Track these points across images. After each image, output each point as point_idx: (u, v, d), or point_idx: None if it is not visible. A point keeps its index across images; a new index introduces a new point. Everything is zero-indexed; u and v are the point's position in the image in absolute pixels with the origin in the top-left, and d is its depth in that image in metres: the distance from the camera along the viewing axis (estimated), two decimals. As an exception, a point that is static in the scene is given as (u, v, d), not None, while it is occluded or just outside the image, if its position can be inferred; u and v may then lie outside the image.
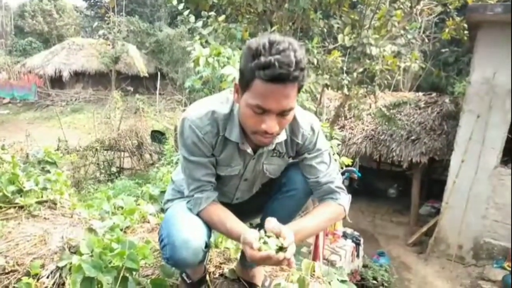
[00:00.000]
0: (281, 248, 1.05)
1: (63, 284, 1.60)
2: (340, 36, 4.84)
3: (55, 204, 2.37)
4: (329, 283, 1.76)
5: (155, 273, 1.71)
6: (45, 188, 2.42)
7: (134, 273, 1.55)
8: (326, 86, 5.03)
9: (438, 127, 7.46)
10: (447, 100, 8.04)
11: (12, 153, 3.75)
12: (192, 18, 4.22)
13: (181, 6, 4.27)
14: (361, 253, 5.39)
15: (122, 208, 2.40)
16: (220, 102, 1.23)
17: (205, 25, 4.51)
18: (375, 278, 5.06)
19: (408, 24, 5.49)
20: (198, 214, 1.30)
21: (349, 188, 8.96)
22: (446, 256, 6.27)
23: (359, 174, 4.46)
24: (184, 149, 1.24)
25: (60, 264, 1.66)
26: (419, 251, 6.71)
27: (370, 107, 6.55)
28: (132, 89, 18.99)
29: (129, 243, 1.55)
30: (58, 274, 1.64)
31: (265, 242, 1.06)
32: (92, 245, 1.57)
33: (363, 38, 4.79)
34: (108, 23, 17.72)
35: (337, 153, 3.85)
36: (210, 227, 1.31)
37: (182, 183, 1.36)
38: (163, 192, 2.70)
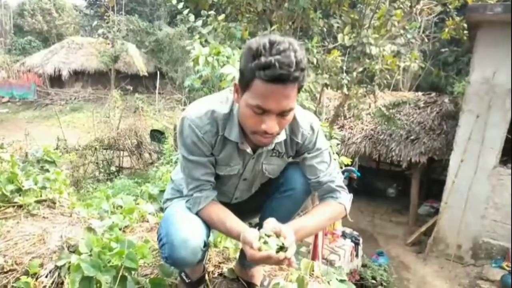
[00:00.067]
0: (281, 248, 1.05)
1: (62, 283, 1.60)
2: (339, 36, 4.84)
3: (54, 203, 2.37)
4: (328, 282, 1.76)
5: (154, 273, 1.70)
6: (44, 187, 2.41)
7: (133, 272, 1.55)
8: (326, 85, 5.03)
9: (437, 127, 7.46)
10: (446, 100, 8.04)
11: (11, 152, 3.75)
12: (191, 17, 4.21)
13: (180, 5, 4.26)
14: (360, 252, 5.40)
15: (121, 207, 2.39)
16: (220, 101, 1.23)
17: (204, 24, 4.50)
18: (374, 278, 5.07)
19: (408, 24, 5.48)
20: (197, 213, 1.30)
21: (349, 187, 8.92)
22: (445, 256, 6.28)
23: (359, 174, 4.47)
24: (183, 148, 1.24)
25: (59, 263, 1.66)
26: (418, 250, 6.72)
27: (370, 106, 6.54)
28: (131, 88, 18.97)
29: (128, 243, 1.55)
30: (57, 273, 1.64)
31: (265, 242, 1.06)
32: (91, 244, 1.57)
33: (362, 37, 4.79)
34: (107, 22, 17.70)
35: (337, 153, 3.85)
36: (209, 226, 1.31)
37: (181, 182, 1.36)
38: (162, 192, 2.70)
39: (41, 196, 2.38)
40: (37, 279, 1.60)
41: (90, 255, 1.52)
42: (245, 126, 1.15)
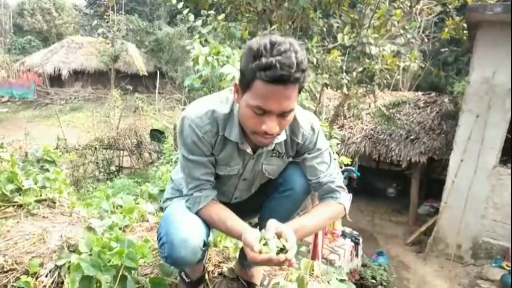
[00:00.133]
0: (282, 249, 1.06)
1: (62, 283, 1.60)
2: (339, 35, 4.84)
3: (54, 202, 2.37)
4: (328, 282, 1.76)
5: (154, 272, 1.71)
6: (44, 187, 2.41)
7: (133, 272, 1.55)
8: (326, 85, 5.03)
9: (437, 127, 7.46)
10: (446, 100, 8.04)
11: (11, 151, 3.74)
12: (191, 17, 4.21)
13: (180, 5, 4.26)
14: (360, 252, 5.40)
15: (121, 207, 2.39)
16: (220, 101, 1.23)
17: (204, 24, 4.50)
18: (374, 278, 5.07)
19: (408, 24, 5.48)
20: (197, 213, 1.30)
21: (348, 187, 8.93)
22: (445, 256, 6.28)
23: (358, 174, 4.47)
24: (183, 148, 1.24)
25: (59, 263, 1.66)
26: (418, 250, 6.72)
27: (370, 106, 6.54)
28: (131, 87, 18.96)
29: (128, 242, 1.55)
30: (57, 273, 1.64)
31: (266, 244, 1.06)
32: (91, 244, 1.57)
33: (362, 37, 4.79)
34: (107, 22, 17.69)
35: (336, 153, 3.85)
36: (209, 225, 1.31)
37: (181, 182, 1.36)
38: (162, 191, 2.70)
39: (41, 195, 2.38)
40: (37, 278, 1.60)
41: (90, 255, 1.52)
42: (246, 126, 1.15)
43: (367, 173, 7.76)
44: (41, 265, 1.68)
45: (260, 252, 1.04)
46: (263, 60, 0.98)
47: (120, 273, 1.45)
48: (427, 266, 6.19)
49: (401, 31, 5.34)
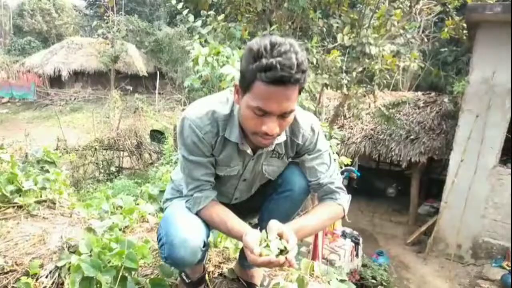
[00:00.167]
0: (283, 250, 1.06)
1: (62, 283, 1.60)
2: (339, 36, 4.84)
3: (54, 203, 2.36)
4: (328, 282, 1.76)
5: (154, 273, 1.71)
6: (44, 188, 2.41)
7: (133, 272, 1.55)
8: (326, 85, 5.03)
9: (437, 127, 7.46)
10: (446, 100, 8.04)
11: (11, 152, 3.75)
12: (191, 18, 4.21)
13: (180, 6, 4.26)
14: (360, 252, 5.39)
15: (121, 207, 2.39)
16: (220, 102, 1.23)
17: (204, 24, 4.50)
18: (374, 278, 5.06)
19: (408, 24, 5.49)
20: (197, 213, 1.30)
21: (348, 187, 8.95)
22: (445, 256, 6.28)
23: (358, 174, 4.47)
24: (183, 148, 1.24)
25: (59, 264, 1.66)
26: (418, 250, 6.72)
27: (369, 106, 6.54)
28: (131, 88, 18.96)
29: (128, 243, 1.55)
30: (57, 274, 1.64)
31: (267, 246, 1.06)
32: (91, 245, 1.57)
33: (362, 37, 4.79)
34: (107, 22, 17.68)
35: (336, 153, 3.85)
36: (209, 226, 1.31)
37: (181, 182, 1.36)
38: (162, 192, 2.70)
39: (41, 196, 2.37)
40: (37, 279, 1.60)
41: (90, 256, 1.52)
42: (246, 127, 1.15)
43: (367, 173, 7.76)
44: (41, 266, 1.68)
45: (260, 255, 1.04)
46: (264, 61, 0.98)
47: (120, 274, 1.45)
48: (427, 266, 6.19)
49: (401, 31, 5.34)
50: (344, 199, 1.40)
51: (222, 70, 3.18)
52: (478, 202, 6.00)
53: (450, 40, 8.57)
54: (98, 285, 1.42)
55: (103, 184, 8.06)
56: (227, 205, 1.35)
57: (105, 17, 18.00)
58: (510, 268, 5.50)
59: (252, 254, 1.06)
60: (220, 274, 1.73)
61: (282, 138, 1.24)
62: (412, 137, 7.36)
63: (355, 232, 5.49)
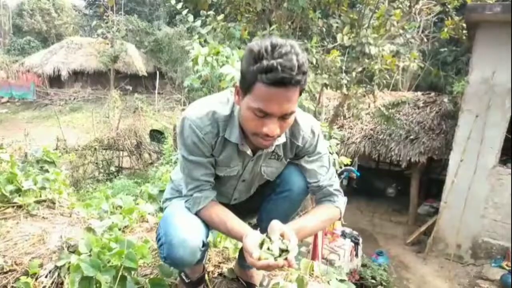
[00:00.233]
0: (284, 251, 1.06)
1: (62, 283, 1.60)
2: (339, 36, 4.84)
3: (54, 203, 2.36)
4: (328, 282, 1.76)
5: (154, 273, 1.71)
6: (43, 188, 2.41)
7: (132, 272, 1.55)
8: (325, 85, 5.03)
9: (436, 127, 7.47)
10: (445, 100, 8.04)
11: (10, 152, 3.75)
12: (190, 17, 4.21)
13: (179, 6, 4.26)
14: (360, 252, 5.39)
15: (120, 207, 2.39)
16: (221, 102, 1.23)
17: (203, 24, 4.50)
18: (374, 278, 5.06)
19: (407, 24, 5.49)
20: (197, 214, 1.30)
21: (348, 187, 9.01)
22: (445, 256, 6.28)
23: (358, 174, 4.48)
24: (183, 148, 1.24)
25: (59, 264, 1.66)
26: (418, 250, 6.72)
27: (369, 106, 6.55)
28: (131, 88, 18.95)
29: (128, 243, 1.55)
30: (56, 274, 1.64)
31: (268, 249, 1.06)
32: (90, 245, 1.57)
33: (362, 37, 4.79)
34: (106, 22, 17.67)
35: (336, 153, 3.85)
36: (208, 226, 1.31)
37: (181, 182, 1.36)
38: (162, 192, 2.70)
39: (40, 196, 2.37)
40: (36, 279, 1.60)
41: (90, 255, 1.52)
42: (246, 128, 1.15)
43: (366, 173, 7.77)
44: (41, 265, 1.68)
45: (259, 258, 1.04)
46: (264, 62, 0.98)
47: (120, 274, 1.45)
48: (427, 266, 6.19)
49: (401, 31, 5.34)
50: (341, 202, 1.42)
51: (222, 70, 3.18)
52: (478, 202, 6.00)
53: (449, 40, 8.57)
54: (97, 285, 1.42)
55: (103, 184, 8.06)
56: (226, 205, 1.35)
57: (104, 17, 17.98)
58: (509, 268, 5.50)
59: (251, 258, 1.06)
60: (220, 274, 1.73)
61: (281, 139, 1.24)
62: (411, 137, 7.36)
63: (355, 232, 5.49)
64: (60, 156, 3.44)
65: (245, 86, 1.06)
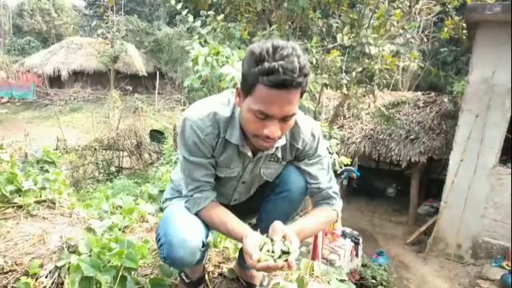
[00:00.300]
0: (286, 252, 1.06)
1: (62, 283, 1.60)
2: (339, 36, 4.84)
3: (54, 203, 2.36)
4: (328, 282, 1.76)
5: (154, 273, 1.71)
6: (43, 188, 2.41)
7: (132, 272, 1.55)
8: (325, 85, 5.03)
9: (437, 127, 7.46)
10: (445, 100, 8.04)
11: (10, 152, 3.75)
12: (190, 18, 4.21)
13: (179, 6, 4.26)
14: (360, 252, 5.39)
15: (121, 207, 2.39)
16: (222, 103, 1.23)
17: (204, 24, 4.50)
18: (374, 278, 5.06)
19: (407, 24, 5.49)
20: (197, 214, 1.30)
21: (348, 187, 9.00)
22: (445, 255, 6.28)
23: (358, 174, 4.47)
24: (184, 149, 1.24)
25: (59, 264, 1.66)
26: (418, 250, 6.72)
27: (369, 106, 6.55)
28: (131, 88, 18.95)
29: (128, 243, 1.55)
30: (56, 274, 1.64)
31: (268, 250, 1.06)
32: (90, 245, 1.57)
33: (362, 37, 4.79)
34: (107, 22, 17.68)
35: (336, 153, 3.85)
36: (208, 226, 1.31)
37: (181, 182, 1.36)
38: (162, 192, 2.70)
39: (40, 196, 2.37)
40: (37, 279, 1.60)
41: (90, 256, 1.52)
42: (247, 130, 1.15)
43: (367, 173, 7.76)
44: (41, 266, 1.67)
45: (259, 260, 1.04)
46: (266, 64, 0.98)
47: (120, 274, 1.45)
48: (427, 266, 6.19)
49: (401, 31, 5.35)
50: (339, 205, 1.43)
51: (222, 70, 3.18)
52: (478, 202, 6.00)
53: (449, 40, 8.57)
54: (97, 285, 1.42)
55: (103, 184, 8.06)
56: (226, 206, 1.35)
57: (104, 17, 17.99)
58: (509, 268, 5.50)
59: (251, 260, 1.06)
60: (220, 274, 1.73)
61: (281, 142, 1.24)
62: (412, 137, 7.36)
63: (355, 232, 5.48)
64: (60, 156, 3.44)
65: (246, 88, 1.06)
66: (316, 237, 3.90)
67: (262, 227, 1.26)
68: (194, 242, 1.22)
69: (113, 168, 9.37)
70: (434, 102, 8.12)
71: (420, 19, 6.21)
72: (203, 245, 1.27)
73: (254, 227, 1.38)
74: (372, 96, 5.78)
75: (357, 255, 5.24)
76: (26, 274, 1.62)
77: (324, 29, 5.34)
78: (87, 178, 8.52)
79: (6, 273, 1.65)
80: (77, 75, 19.07)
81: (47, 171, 2.97)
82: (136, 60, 19.73)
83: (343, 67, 4.94)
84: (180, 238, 1.20)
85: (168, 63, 19.19)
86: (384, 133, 7.71)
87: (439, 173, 8.24)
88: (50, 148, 3.39)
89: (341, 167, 3.92)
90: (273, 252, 1.06)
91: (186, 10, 4.23)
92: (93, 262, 1.45)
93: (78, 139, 9.72)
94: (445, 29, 5.94)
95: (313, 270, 1.81)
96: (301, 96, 1.07)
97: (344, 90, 5.06)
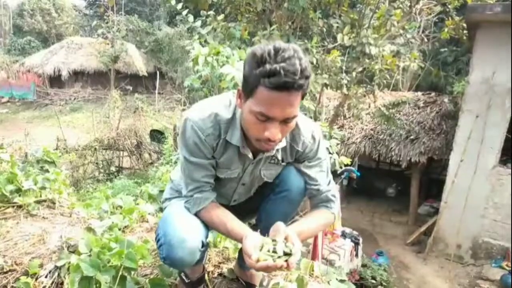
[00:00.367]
0: (288, 254, 1.06)
1: (62, 283, 1.60)
2: (339, 36, 4.84)
3: (54, 203, 2.36)
4: (328, 282, 1.76)
5: (154, 273, 1.70)
6: (43, 188, 2.41)
7: (132, 272, 1.55)
8: (326, 85, 5.03)
9: (437, 127, 7.46)
10: (446, 100, 8.04)
11: (10, 152, 3.75)
12: (191, 18, 4.21)
13: (179, 6, 4.26)
14: (360, 252, 5.39)
15: (121, 207, 2.39)
16: (223, 105, 1.23)
17: (204, 24, 4.50)
18: (374, 278, 5.06)
19: (408, 24, 5.49)
20: (197, 214, 1.30)
21: (348, 187, 9.00)
22: (445, 256, 6.28)
23: (358, 174, 4.47)
24: (185, 149, 1.24)
25: (59, 264, 1.66)
26: (418, 250, 6.72)
27: (369, 106, 6.55)
28: (131, 88, 18.96)
29: (128, 243, 1.55)
30: (56, 274, 1.64)
31: (268, 250, 1.06)
32: (90, 245, 1.57)
33: (362, 37, 4.79)
34: (107, 22, 17.68)
35: (336, 153, 3.85)
36: (208, 226, 1.31)
37: (181, 182, 1.36)
38: (162, 192, 2.70)
39: (40, 196, 2.37)
40: (36, 279, 1.60)
41: (90, 255, 1.52)
42: (248, 132, 1.15)
43: (367, 173, 7.75)
44: (41, 265, 1.67)
45: (258, 260, 1.04)
46: (267, 66, 0.98)
47: (120, 274, 1.45)
48: (427, 266, 6.19)
49: (401, 31, 5.35)
50: (336, 208, 1.44)
51: (222, 70, 3.18)
52: (478, 202, 6.00)
53: (450, 40, 8.57)
54: (97, 285, 1.42)
55: (103, 184, 8.06)
56: (226, 206, 1.35)
57: (105, 17, 18.00)
58: (509, 269, 5.50)
59: (250, 260, 1.06)
60: (220, 274, 1.73)
61: (282, 144, 1.24)
62: (412, 137, 7.36)
63: (355, 232, 5.48)
64: (60, 156, 3.44)
65: (248, 90, 1.06)
66: (316, 237, 3.89)
67: (262, 227, 1.26)
68: (194, 243, 1.22)
69: (113, 168, 9.37)
70: (434, 102, 8.12)
71: (420, 19, 6.22)
72: (203, 245, 1.27)
73: (254, 227, 1.39)
74: (372, 96, 5.78)
75: (357, 255, 5.24)
76: (26, 274, 1.62)
77: (325, 29, 5.34)
78: (87, 178, 8.53)
79: (6, 272, 1.65)
80: (78, 75, 19.08)
81: (47, 171, 2.98)
82: (137, 60, 19.74)
83: (344, 67, 4.94)
84: (180, 238, 1.20)
85: (168, 63, 19.20)
86: (384, 133, 7.71)
87: (439, 173, 8.23)
88: (50, 148, 3.40)
89: (341, 167, 3.92)
90: (273, 252, 1.06)
91: (187, 10, 4.23)
92: (93, 262, 1.44)
93: (78, 139, 9.72)
94: (446, 29, 5.94)
95: (313, 270, 1.81)
96: (302, 98, 1.07)
97: (345, 90, 5.06)
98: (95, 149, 9.16)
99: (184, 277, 1.47)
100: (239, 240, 1.18)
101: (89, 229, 1.94)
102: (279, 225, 1.14)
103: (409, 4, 5.31)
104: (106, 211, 2.34)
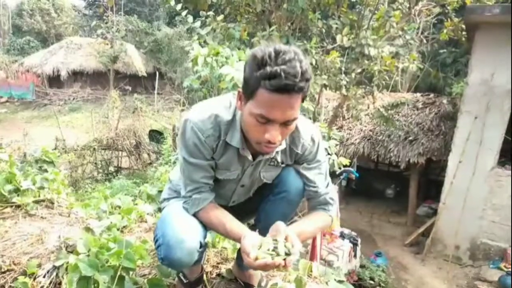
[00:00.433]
0: (287, 254, 1.06)
1: (60, 283, 1.60)
2: (338, 37, 4.84)
3: (52, 203, 2.36)
4: (326, 283, 1.76)
5: (152, 273, 1.71)
6: (42, 188, 2.41)
7: (131, 272, 1.55)
8: (325, 86, 5.03)
9: (435, 128, 7.47)
10: (445, 101, 8.05)
11: (9, 152, 3.75)
12: (190, 18, 4.21)
13: (179, 6, 4.26)
14: (359, 253, 5.40)
15: (119, 207, 2.39)
16: (223, 106, 1.23)
17: (203, 25, 4.50)
18: (372, 279, 5.07)
19: (407, 25, 5.50)
20: (195, 215, 1.30)
21: (347, 188, 9.01)
22: (443, 257, 6.28)
23: (357, 174, 4.47)
24: (184, 150, 1.24)
25: (57, 264, 1.66)
26: (416, 251, 6.72)
27: (368, 107, 6.56)
28: (130, 88, 18.96)
29: (126, 243, 1.55)
30: (54, 274, 1.64)
31: (269, 249, 1.06)
32: (89, 245, 1.57)
33: (361, 38, 4.80)
34: (106, 22, 17.68)
35: (335, 153, 3.85)
36: (206, 227, 1.31)
37: (179, 182, 1.36)
38: (160, 192, 2.70)
39: (39, 196, 2.37)
40: (35, 279, 1.60)
41: (88, 255, 1.52)
42: (248, 134, 1.16)
43: (365, 174, 7.76)
44: (39, 265, 1.67)
45: (256, 258, 1.05)
46: (268, 69, 0.98)
47: (118, 274, 1.45)
48: (425, 267, 6.19)
49: (400, 33, 5.35)
50: (334, 211, 1.45)
51: (221, 70, 3.18)
52: (477, 203, 6.00)
53: (449, 42, 8.58)
54: (95, 285, 1.42)
55: (102, 184, 8.05)
56: (224, 207, 1.35)
57: (104, 17, 18.00)
58: (507, 270, 5.50)
59: (248, 258, 1.06)
60: (218, 275, 1.73)
61: (281, 146, 1.25)
62: (410, 138, 7.36)
63: (354, 233, 5.49)
64: (59, 156, 3.44)
65: (248, 92, 1.06)
66: (314, 238, 3.89)
67: (261, 227, 1.26)
68: (192, 243, 1.22)
69: (112, 168, 9.37)
70: (433, 104, 8.13)
71: (419, 21, 6.22)
72: (201, 246, 1.27)
73: (253, 227, 1.39)
74: (371, 97, 5.78)
75: (355, 256, 5.24)
76: (24, 273, 1.62)
77: (324, 30, 5.35)
78: (85, 178, 8.51)
79: (4, 272, 1.65)
80: (77, 75, 19.06)
81: (45, 170, 2.98)
82: (136, 60, 19.73)
83: (343, 68, 4.94)
84: (178, 239, 1.20)
85: (167, 63, 19.21)
86: (383, 134, 7.71)
87: (438, 175, 8.24)
88: (49, 148, 3.39)
89: (340, 168, 3.92)
90: (273, 251, 1.07)
91: (186, 11, 4.23)
92: (91, 262, 1.44)
93: (77, 139, 9.70)
94: (445, 31, 5.95)
95: (311, 271, 1.82)
96: (303, 100, 1.07)
97: (344, 91, 5.06)
98: (94, 149, 9.15)
99: (182, 278, 1.47)
100: (237, 240, 1.18)
101: (88, 229, 1.94)
102: (280, 225, 1.14)
103: (408, 5, 5.32)
104: (104, 211, 2.34)
